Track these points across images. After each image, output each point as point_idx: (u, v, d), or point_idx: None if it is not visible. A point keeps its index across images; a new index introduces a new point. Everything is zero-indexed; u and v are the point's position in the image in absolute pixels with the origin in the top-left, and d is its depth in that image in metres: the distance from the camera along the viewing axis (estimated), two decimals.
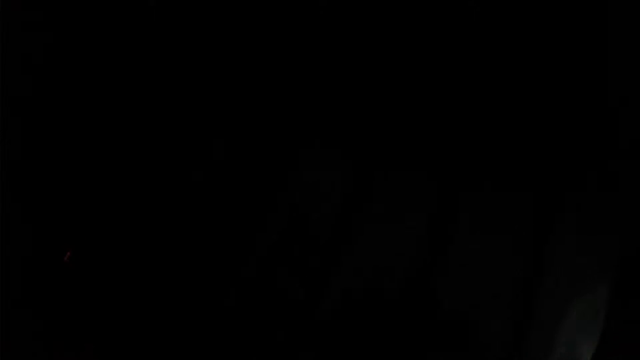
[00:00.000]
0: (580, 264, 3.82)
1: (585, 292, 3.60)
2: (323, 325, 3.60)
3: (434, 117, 4.30)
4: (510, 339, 3.40)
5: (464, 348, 3.15)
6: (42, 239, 2.69)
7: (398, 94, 4.55)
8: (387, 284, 4.28)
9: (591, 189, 4.15)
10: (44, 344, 2.20)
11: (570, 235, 4.17)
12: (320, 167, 4.92)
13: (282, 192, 4.55)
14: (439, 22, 3.34)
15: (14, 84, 2.13)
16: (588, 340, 3.39)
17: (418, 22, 3.54)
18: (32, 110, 2.50)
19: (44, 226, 2.64)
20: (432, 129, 4.35)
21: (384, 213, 4.69)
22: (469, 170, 4.61)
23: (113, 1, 2.44)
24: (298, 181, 4.64)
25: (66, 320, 2.50)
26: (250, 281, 3.89)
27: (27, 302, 2.31)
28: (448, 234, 4.70)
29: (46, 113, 2.48)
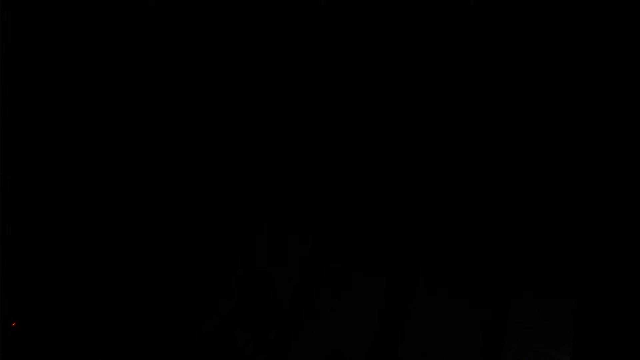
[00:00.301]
0: (540, 333, 3.94)
1: (547, 358, 3.69)
2: None
3: (399, 189, 4.38)
4: None
5: None
6: (42, 243, 2.71)
7: (363, 164, 4.64)
8: (350, 349, 4.35)
9: (548, 265, 4.28)
10: (44, 344, 2.20)
11: (529, 306, 4.30)
12: (284, 233, 5.04)
13: (243, 256, 4.61)
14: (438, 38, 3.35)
15: (14, 86, 2.15)
16: None
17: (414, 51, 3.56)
18: (31, 111, 2.51)
19: (42, 232, 2.66)
20: (397, 202, 4.47)
21: (346, 280, 4.77)
22: (429, 242, 4.71)
23: (113, 1, 2.46)
24: (261, 246, 4.73)
25: (66, 322, 2.51)
26: (207, 342, 3.94)
27: (27, 302, 2.32)
28: (408, 302, 4.80)
29: (44, 114, 2.49)
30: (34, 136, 3.54)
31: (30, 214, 3.61)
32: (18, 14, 2.54)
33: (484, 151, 4.93)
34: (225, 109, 5.32)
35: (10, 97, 2.94)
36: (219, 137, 5.46)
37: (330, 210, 5.60)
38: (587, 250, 4.65)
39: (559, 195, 4.90)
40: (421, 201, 5.27)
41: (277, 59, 4.70)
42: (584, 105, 4.16)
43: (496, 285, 5.09)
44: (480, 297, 5.16)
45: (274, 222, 6.09)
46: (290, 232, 5.92)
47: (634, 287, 4.06)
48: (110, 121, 4.42)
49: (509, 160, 4.88)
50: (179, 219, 5.31)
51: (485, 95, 4.45)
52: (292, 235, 5.91)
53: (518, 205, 5.03)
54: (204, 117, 5.35)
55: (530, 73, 4.12)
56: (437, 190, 5.25)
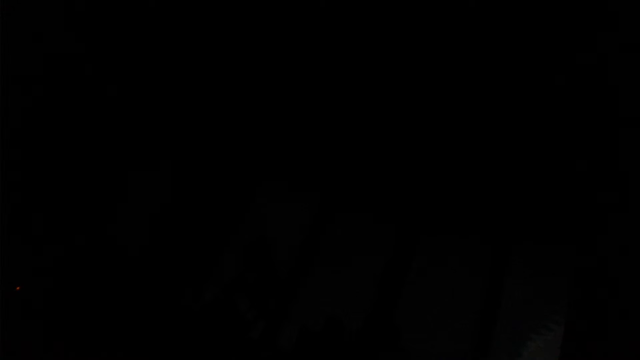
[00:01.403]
0: (534, 304, 3.96)
1: (540, 328, 3.71)
2: (283, 357, 3.68)
3: (402, 164, 4.40)
4: None
5: None
6: (39, 242, 2.73)
7: (369, 140, 4.67)
8: (348, 313, 4.39)
9: (541, 239, 4.29)
10: (44, 344, 2.23)
11: (524, 278, 4.33)
12: (285, 199, 5.07)
13: (243, 222, 4.66)
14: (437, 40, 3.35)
15: (14, 86, 2.16)
16: None
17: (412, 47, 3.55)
18: (29, 113, 2.52)
19: (41, 229, 2.69)
20: (398, 172, 4.46)
21: (345, 247, 4.80)
22: (429, 215, 4.75)
23: (113, 2, 2.46)
24: (262, 211, 4.77)
25: (66, 320, 2.54)
26: (210, 307, 4.00)
27: (27, 303, 2.35)
28: (407, 269, 4.84)
29: (43, 117, 2.51)
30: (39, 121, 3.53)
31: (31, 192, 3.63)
32: (15, 17, 2.51)
33: (484, 136, 4.95)
34: (228, 80, 5.30)
35: (11, 75, 2.91)
36: (220, 104, 5.46)
37: (330, 179, 5.61)
38: (582, 228, 4.68)
39: (555, 175, 4.93)
40: (421, 175, 5.29)
41: (280, 45, 4.69)
42: (582, 92, 4.17)
43: (492, 259, 5.14)
44: (477, 270, 5.20)
45: (274, 189, 6.08)
46: (291, 199, 5.92)
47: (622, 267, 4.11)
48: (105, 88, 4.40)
49: (509, 142, 4.90)
50: (179, 187, 5.33)
51: (483, 83, 4.46)
52: (293, 202, 5.92)
53: (517, 181, 5.06)
54: (204, 88, 5.34)
55: (528, 67, 4.12)
56: (438, 166, 5.27)
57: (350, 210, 5.64)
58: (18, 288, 3.31)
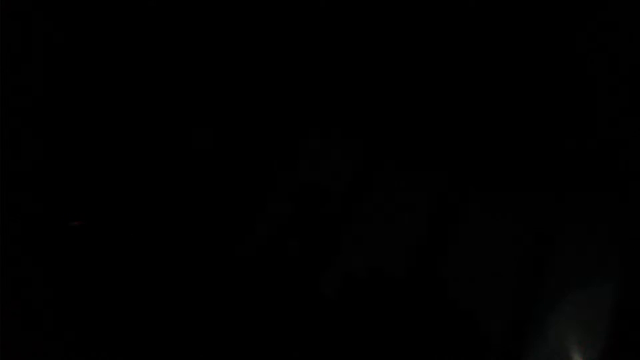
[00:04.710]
0: (583, 266, 3.77)
1: (589, 291, 3.54)
2: (327, 302, 3.61)
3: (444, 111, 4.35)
4: (511, 331, 3.37)
5: (467, 335, 3.14)
6: (38, 240, 2.71)
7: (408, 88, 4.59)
8: (392, 262, 4.31)
9: (593, 190, 4.14)
10: (44, 344, 2.19)
11: (574, 236, 4.15)
12: (331, 142, 5.00)
13: (290, 168, 4.63)
14: (441, 21, 3.37)
15: (15, 83, 2.18)
16: (590, 338, 3.29)
17: (420, 20, 3.58)
18: (31, 108, 2.53)
19: (39, 227, 2.66)
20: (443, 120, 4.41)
21: (393, 192, 4.72)
22: (478, 165, 4.64)
23: (113, 1, 2.49)
24: (307, 155, 4.73)
25: (68, 320, 2.50)
26: (258, 251, 3.95)
27: (27, 301, 2.32)
28: (455, 219, 4.75)
29: (45, 109, 2.52)
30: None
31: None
32: (15, 14, 2.51)
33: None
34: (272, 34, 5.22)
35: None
36: (267, 55, 5.37)
37: (377, 127, 5.41)
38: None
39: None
40: (469, 130, 5.08)
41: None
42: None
43: (542, 212, 4.81)
44: (525, 223, 4.89)
45: (320, 135, 5.92)
46: (338, 147, 5.74)
47: None
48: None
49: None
50: (223, 135, 5.23)
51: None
52: (339, 150, 5.74)
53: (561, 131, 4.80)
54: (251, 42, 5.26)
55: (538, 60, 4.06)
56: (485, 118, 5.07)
57: (397, 157, 5.41)
58: (77, 223, 3.20)
